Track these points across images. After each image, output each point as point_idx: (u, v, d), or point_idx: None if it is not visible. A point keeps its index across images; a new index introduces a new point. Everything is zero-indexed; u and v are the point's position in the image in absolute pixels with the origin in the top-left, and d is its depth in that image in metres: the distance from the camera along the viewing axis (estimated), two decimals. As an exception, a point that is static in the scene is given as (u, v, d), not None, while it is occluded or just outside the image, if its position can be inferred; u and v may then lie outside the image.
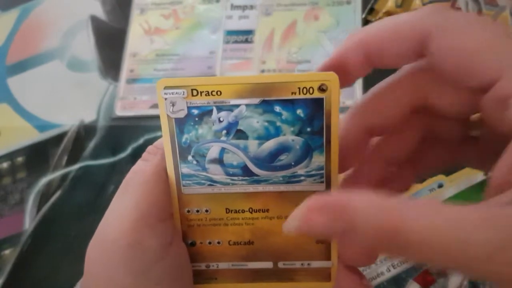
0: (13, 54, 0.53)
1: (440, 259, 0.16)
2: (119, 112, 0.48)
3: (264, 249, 0.23)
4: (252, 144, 0.21)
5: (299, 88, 0.20)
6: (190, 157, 0.21)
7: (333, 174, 0.21)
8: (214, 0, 0.52)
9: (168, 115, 0.21)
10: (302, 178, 0.21)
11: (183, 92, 0.20)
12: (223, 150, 0.21)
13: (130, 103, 0.48)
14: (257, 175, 0.21)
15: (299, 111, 0.20)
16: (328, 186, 0.21)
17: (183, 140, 0.21)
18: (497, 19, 0.41)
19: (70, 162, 0.47)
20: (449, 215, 0.16)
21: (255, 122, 0.21)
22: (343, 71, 0.20)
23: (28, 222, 0.45)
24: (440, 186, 0.36)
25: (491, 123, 0.18)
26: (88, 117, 0.48)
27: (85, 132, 0.48)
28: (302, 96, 0.20)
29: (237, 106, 0.20)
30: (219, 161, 0.21)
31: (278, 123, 0.21)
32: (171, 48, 0.50)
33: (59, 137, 0.48)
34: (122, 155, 0.46)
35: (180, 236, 0.23)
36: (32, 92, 0.51)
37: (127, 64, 0.50)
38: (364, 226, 0.16)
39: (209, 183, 0.22)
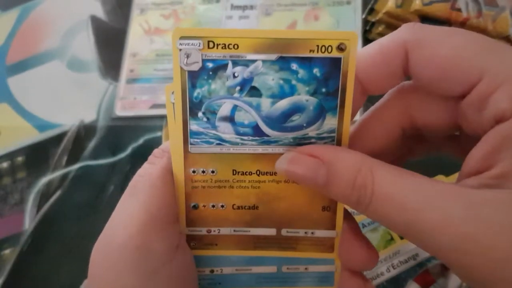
0: (13, 54, 0.53)
1: (395, 219, 0.17)
2: (119, 112, 0.48)
3: (269, 214, 0.22)
4: (265, 103, 0.20)
5: (317, 46, 0.19)
6: (200, 114, 0.20)
7: (344, 136, 0.21)
8: (214, 0, 0.52)
9: (181, 67, 0.20)
10: (313, 140, 0.21)
11: (199, 43, 0.19)
12: (235, 108, 0.20)
13: (130, 103, 0.48)
14: (267, 136, 0.21)
15: (316, 70, 0.20)
16: None
17: (195, 94, 0.20)
18: (496, 20, 0.41)
19: (70, 162, 0.47)
20: (415, 183, 0.17)
21: (270, 79, 0.20)
22: None
23: (28, 222, 0.45)
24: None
25: (469, 126, 0.19)
26: (88, 117, 0.48)
27: (85, 132, 0.48)
28: (320, 55, 0.19)
29: (253, 61, 0.20)
30: (230, 119, 0.21)
31: (294, 82, 0.20)
32: (171, 48, 0.50)
33: (59, 137, 0.48)
34: (122, 155, 0.46)
35: (185, 239, 0.23)
36: (32, 92, 0.51)
37: (127, 64, 0.50)
38: (341, 179, 0.18)
39: (217, 142, 0.21)
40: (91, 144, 0.47)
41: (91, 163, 0.46)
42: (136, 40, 0.51)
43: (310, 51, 0.19)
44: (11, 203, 0.46)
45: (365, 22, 0.46)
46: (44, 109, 0.49)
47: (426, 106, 0.21)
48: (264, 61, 0.20)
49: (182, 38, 0.20)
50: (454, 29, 0.19)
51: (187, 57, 0.20)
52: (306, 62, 0.20)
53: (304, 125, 0.21)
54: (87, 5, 0.54)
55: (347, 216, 0.22)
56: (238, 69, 0.20)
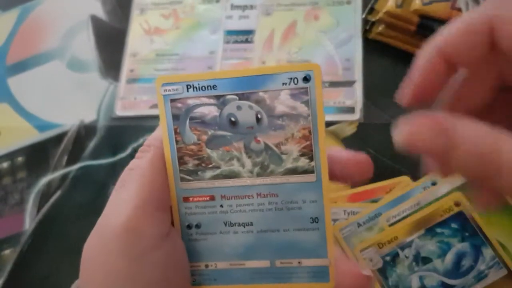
0: (13, 54, 0.53)
1: None
2: (119, 112, 0.48)
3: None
4: (438, 264, 0.27)
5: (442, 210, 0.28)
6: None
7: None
8: (214, 0, 0.52)
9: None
10: (486, 271, 0.27)
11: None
12: None
13: (130, 103, 0.48)
14: (453, 286, 0.27)
15: (453, 225, 0.27)
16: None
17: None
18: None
19: (70, 162, 0.47)
20: None
21: (430, 246, 0.28)
22: (429, 84, 0.21)
23: (28, 222, 0.45)
24: (434, 183, 0.36)
25: None
26: (88, 117, 0.48)
27: (85, 132, 0.48)
28: (449, 214, 0.28)
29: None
30: None
31: (446, 240, 0.27)
32: (171, 48, 0.50)
33: (59, 137, 0.48)
34: (122, 155, 0.46)
35: (178, 231, 0.23)
36: (32, 92, 0.51)
37: (127, 64, 0.50)
38: (464, 145, 0.17)
39: None
40: (91, 144, 0.47)
41: (91, 163, 0.46)
42: (136, 40, 0.51)
43: (440, 215, 0.28)
44: (11, 203, 0.46)
45: (365, 21, 0.46)
46: (44, 109, 0.50)
47: None
48: (419, 236, 0.28)
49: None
50: None
51: None
52: (443, 224, 0.28)
53: (473, 264, 0.27)
54: (87, 5, 0.54)
55: None
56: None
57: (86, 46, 0.52)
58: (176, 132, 0.22)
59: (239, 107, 0.22)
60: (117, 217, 0.21)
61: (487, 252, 0.27)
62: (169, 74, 0.49)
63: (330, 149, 0.22)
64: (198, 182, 0.23)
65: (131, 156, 0.46)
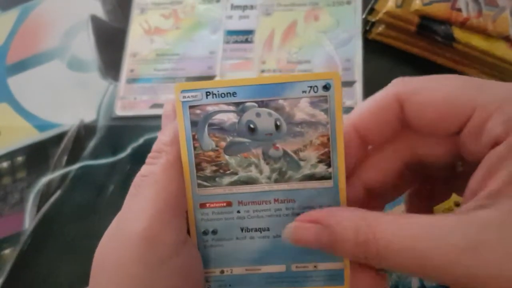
0: (13, 53, 0.53)
1: (410, 265, 0.18)
2: (119, 112, 0.48)
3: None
4: None
5: None
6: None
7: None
8: (214, 0, 0.52)
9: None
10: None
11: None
12: None
13: (130, 103, 0.48)
14: None
15: None
16: None
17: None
18: (497, 20, 0.42)
19: (70, 161, 0.47)
20: (417, 224, 0.18)
21: None
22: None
23: (28, 222, 0.45)
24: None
25: (470, 155, 0.20)
26: (88, 117, 0.48)
27: (85, 132, 0.48)
28: None
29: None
30: None
31: None
32: (171, 48, 0.50)
33: (59, 137, 0.48)
34: (122, 155, 0.46)
35: (194, 237, 0.23)
36: (32, 92, 0.51)
37: (127, 64, 0.50)
38: (343, 239, 0.19)
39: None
40: (91, 144, 0.47)
41: (91, 163, 0.46)
42: (136, 40, 0.51)
43: None
44: (11, 203, 0.46)
45: (365, 22, 0.46)
46: (44, 109, 0.49)
47: (427, 143, 0.22)
48: None
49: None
50: (442, 75, 0.21)
51: None
52: None
53: None
54: (87, 5, 0.54)
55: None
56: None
57: (86, 46, 0.52)
58: (194, 139, 0.22)
59: (258, 114, 0.22)
60: (135, 225, 0.21)
61: None
62: (169, 74, 0.49)
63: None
64: (215, 188, 0.23)
65: (131, 156, 0.46)
